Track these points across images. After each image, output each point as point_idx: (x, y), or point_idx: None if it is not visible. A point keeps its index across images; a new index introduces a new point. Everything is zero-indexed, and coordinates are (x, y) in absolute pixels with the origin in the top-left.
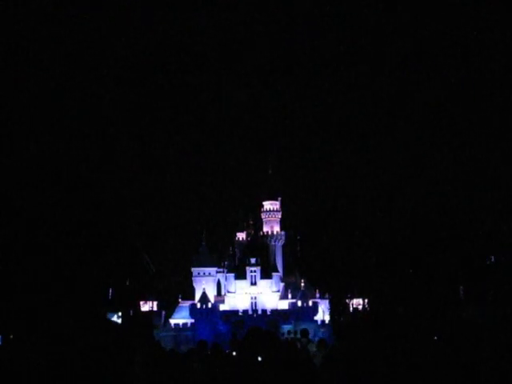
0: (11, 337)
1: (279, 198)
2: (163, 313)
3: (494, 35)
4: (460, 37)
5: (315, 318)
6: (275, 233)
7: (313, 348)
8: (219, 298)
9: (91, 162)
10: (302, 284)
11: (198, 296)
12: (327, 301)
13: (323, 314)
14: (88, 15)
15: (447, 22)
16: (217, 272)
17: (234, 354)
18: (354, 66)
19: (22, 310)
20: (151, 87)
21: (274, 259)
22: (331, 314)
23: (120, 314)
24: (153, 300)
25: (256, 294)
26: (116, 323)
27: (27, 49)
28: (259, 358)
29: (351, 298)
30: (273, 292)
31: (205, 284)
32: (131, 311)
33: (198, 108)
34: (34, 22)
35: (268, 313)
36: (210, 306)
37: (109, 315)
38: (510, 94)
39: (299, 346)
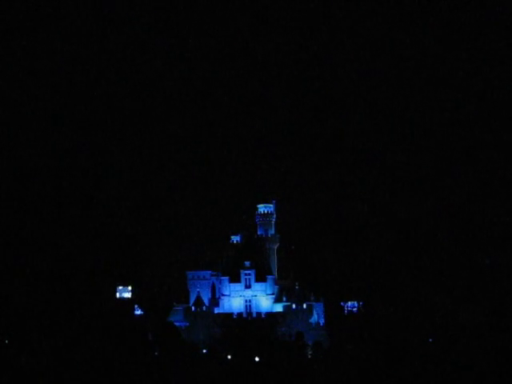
0: (6, 342)
1: (274, 201)
2: None
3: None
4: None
5: (310, 320)
6: (270, 236)
7: (308, 351)
8: (214, 301)
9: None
10: (297, 287)
11: (192, 299)
12: (322, 303)
13: (318, 316)
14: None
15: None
16: (211, 275)
17: (229, 356)
18: (347, 68)
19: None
20: (149, 85)
21: (269, 262)
22: (326, 317)
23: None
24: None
25: (250, 296)
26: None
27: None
28: (254, 361)
29: (346, 300)
30: (267, 295)
31: (199, 287)
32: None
33: (195, 112)
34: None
35: (263, 316)
36: (204, 309)
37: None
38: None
39: (294, 348)
